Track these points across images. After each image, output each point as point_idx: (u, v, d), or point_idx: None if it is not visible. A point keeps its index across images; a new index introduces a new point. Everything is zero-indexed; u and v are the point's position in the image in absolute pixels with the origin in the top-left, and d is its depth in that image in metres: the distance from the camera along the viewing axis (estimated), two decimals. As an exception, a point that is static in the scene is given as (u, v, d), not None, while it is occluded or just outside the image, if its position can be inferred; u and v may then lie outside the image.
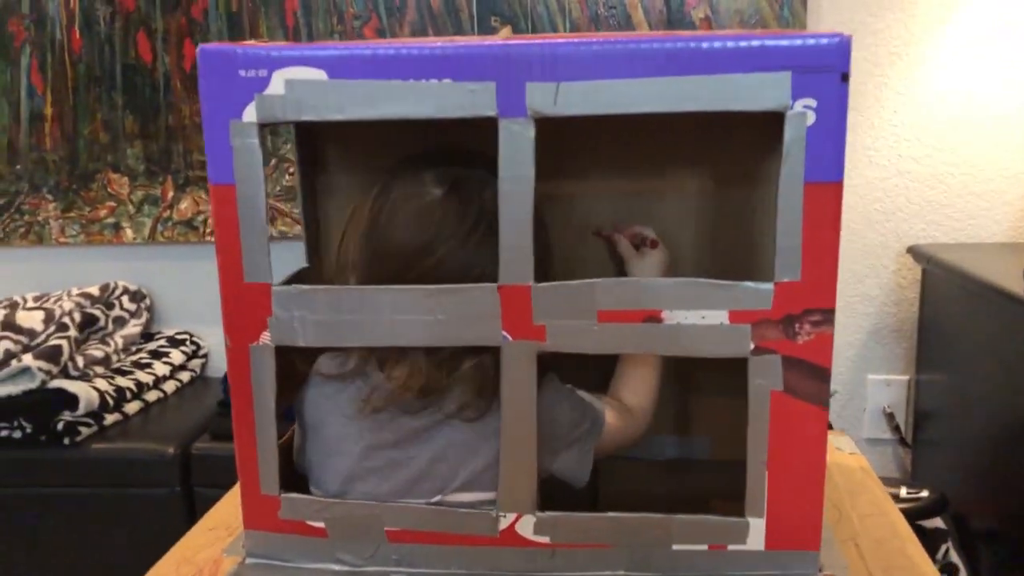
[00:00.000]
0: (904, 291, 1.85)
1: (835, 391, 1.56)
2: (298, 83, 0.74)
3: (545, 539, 0.82)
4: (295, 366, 0.87)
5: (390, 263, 0.81)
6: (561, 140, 0.96)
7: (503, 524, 0.82)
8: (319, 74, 0.73)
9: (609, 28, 1.74)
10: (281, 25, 1.83)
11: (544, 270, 0.78)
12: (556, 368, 0.87)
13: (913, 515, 1.44)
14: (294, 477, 0.89)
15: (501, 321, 0.77)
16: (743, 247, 0.96)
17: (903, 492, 1.40)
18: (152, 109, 1.88)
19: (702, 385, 1.03)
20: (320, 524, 0.85)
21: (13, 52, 1.89)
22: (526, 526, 0.82)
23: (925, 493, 1.41)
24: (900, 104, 1.78)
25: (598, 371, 0.92)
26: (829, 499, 0.95)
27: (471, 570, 0.83)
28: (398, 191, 0.83)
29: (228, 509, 0.98)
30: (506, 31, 1.74)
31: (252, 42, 0.78)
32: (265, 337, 0.80)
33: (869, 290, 1.86)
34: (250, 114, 0.75)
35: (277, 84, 0.74)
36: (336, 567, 0.85)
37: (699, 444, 1.05)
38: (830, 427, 1.58)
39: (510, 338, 0.78)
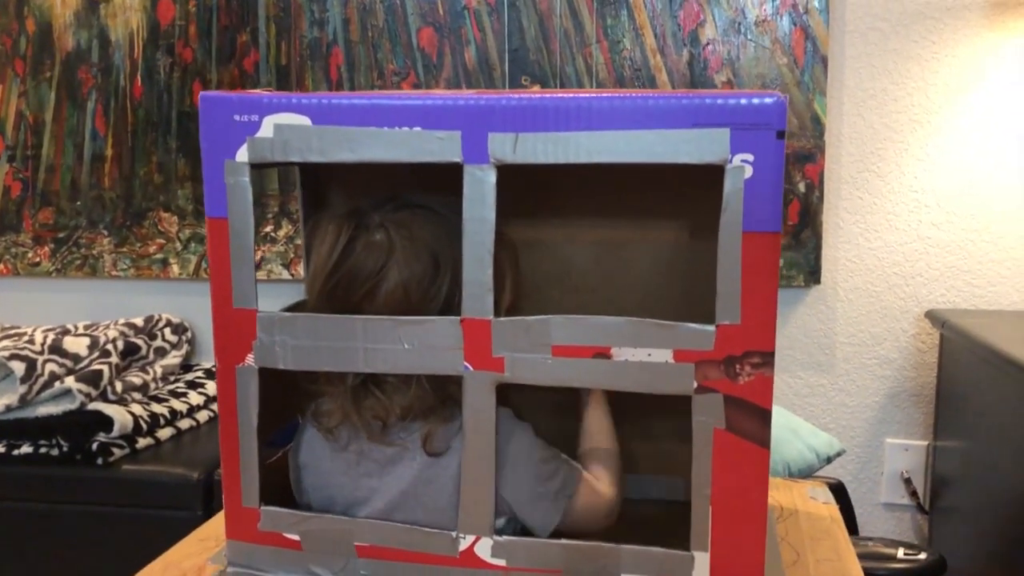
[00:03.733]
0: (923, 355, 1.86)
1: (843, 450, 1.57)
2: (285, 127, 0.82)
3: (501, 562, 0.87)
4: (282, 398, 0.94)
5: (343, 289, 0.88)
6: (546, 190, 1.03)
7: (462, 545, 0.87)
8: (304, 120, 0.81)
9: (635, 88, 1.81)
10: (326, 78, 1.94)
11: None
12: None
13: (911, 577, 1.43)
14: (274, 493, 0.95)
15: (463, 352, 0.83)
16: (712, 297, 1.01)
17: (900, 553, 1.41)
18: (203, 154, 2.00)
19: (678, 430, 1.07)
20: (295, 537, 0.91)
21: (81, 98, 2.04)
22: (484, 548, 0.87)
23: (923, 556, 1.41)
24: (921, 170, 1.81)
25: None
26: (790, 543, 0.98)
27: (433, 589, 0.88)
28: (353, 232, 0.90)
29: (222, 523, 1.04)
30: (535, 89, 1.82)
31: (255, 91, 0.86)
32: (250, 359, 0.87)
33: (888, 353, 1.87)
34: (242, 155, 0.83)
35: (267, 128, 0.82)
36: (309, 579, 0.91)
37: (674, 485, 1.08)
38: (842, 487, 1.59)
39: (471, 368, 0.83)
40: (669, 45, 1.81)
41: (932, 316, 1.78)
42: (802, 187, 1.80)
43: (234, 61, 1.97)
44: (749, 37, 1.79)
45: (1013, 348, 1.45)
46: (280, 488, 0.98)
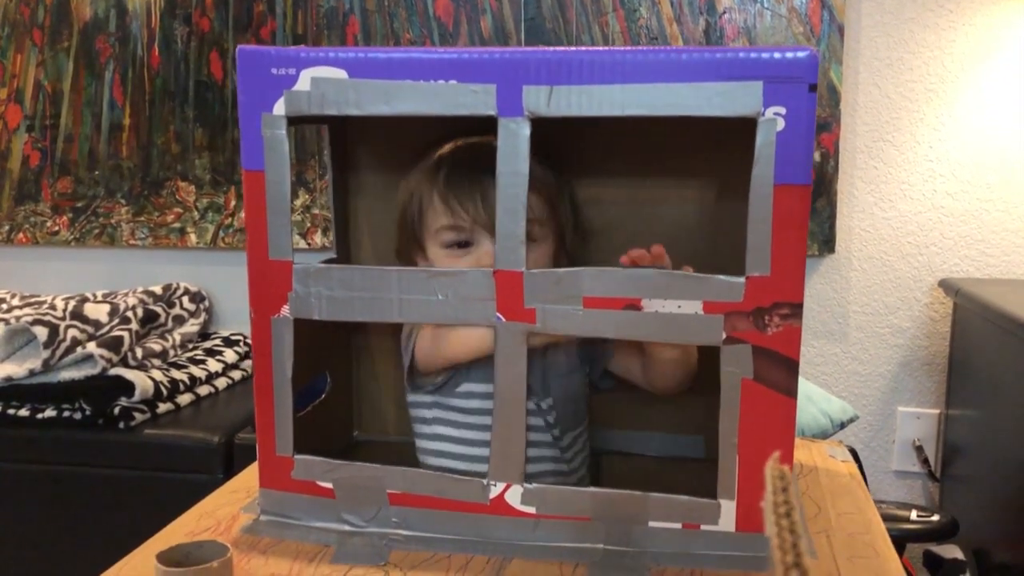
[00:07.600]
0: (936, 324, 1.87)
1: (856, 416, 1.59)
2: (322, 80, 0.83)
3: (531, 509, 0.89)
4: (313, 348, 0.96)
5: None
6: (574, 150, 1.04)
7: (493, 492, 0.89)
8: (341, 73, 0.83)
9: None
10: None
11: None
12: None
13: (924, 537, 1.46)
14: (304, 446, 0.97)
15: (496, 304, 0.85)
16: (736, 256, 1.02)
17: (914, 515, 1.43)
18: (220, 123, 2.02)
19: (696, 387, 1.08)
20: (328, 485, 0.93)
21: (98, 67, 2.05)
22: (514, 496, 0.89)
23: (936, 517, 1.43)
24: (936, 140, 1.82)
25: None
26: (811, 496, 1.00)
27: (464, 536, 0.90)
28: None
29: (253, 475, 1.06)
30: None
31: (291, 46, 0.88)
32: (285, 310, 0.89)
33: (901, 322, 1.88)
34: (280, 108, 0.84)
35: (304, 81, 0.83)
36: (341, 527, 0.93)
37: (693, 443, 1.10)
38: (854, 454, 1.61)
39: (503, 319, 0.85)
40: (685, 14, 1.82)
41: (945, 285, 1.79)
42: (817, 156, 1.81)
43: (251, 30, 1.98)
44: (765, 6, 1.79)
45: (1022, 313, 1.46)
46: (310, 441, 1.00)
